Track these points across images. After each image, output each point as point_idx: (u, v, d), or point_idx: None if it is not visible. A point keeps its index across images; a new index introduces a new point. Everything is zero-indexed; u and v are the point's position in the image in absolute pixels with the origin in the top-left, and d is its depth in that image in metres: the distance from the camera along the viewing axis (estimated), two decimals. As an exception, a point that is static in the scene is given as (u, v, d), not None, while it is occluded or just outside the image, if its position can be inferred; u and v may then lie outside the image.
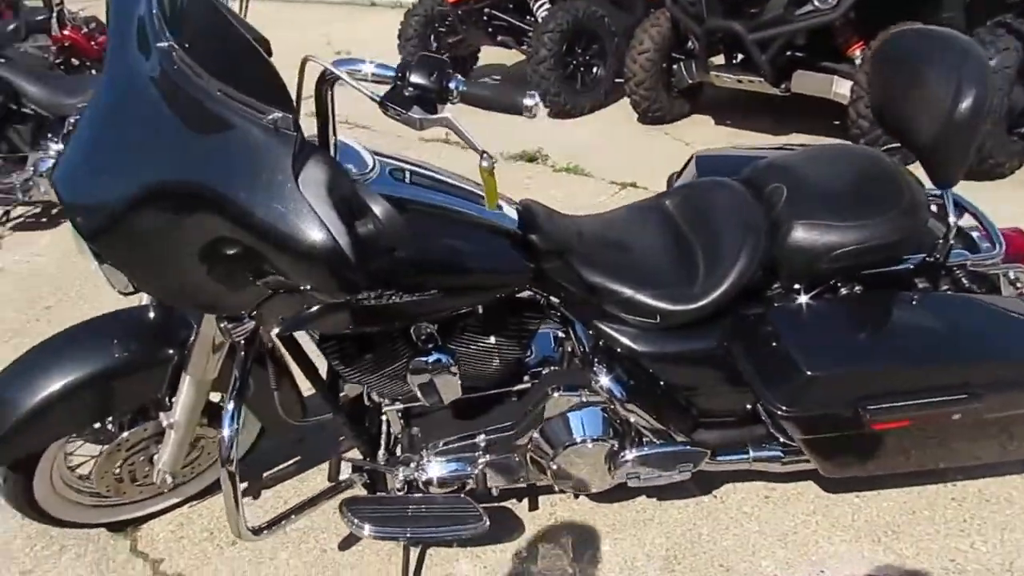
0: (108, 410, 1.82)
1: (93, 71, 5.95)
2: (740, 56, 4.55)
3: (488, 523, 1.86)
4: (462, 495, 1.88)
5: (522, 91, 1.34)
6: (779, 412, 1.59)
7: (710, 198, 1.88)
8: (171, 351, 1.79)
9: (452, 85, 1.32)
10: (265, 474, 2.30)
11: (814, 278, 1.74)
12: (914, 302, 1.70)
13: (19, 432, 1.69)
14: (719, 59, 4.70)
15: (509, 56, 6.40)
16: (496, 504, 2.10)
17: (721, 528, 2.05)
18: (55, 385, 1.70)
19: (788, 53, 4.24)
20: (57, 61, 5.74)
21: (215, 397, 1.91)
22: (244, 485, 2.23)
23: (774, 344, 1.62)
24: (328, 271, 1.29)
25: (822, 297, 1.75)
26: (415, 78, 1.30)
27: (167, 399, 1.84)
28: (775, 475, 2.07)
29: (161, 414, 1.86)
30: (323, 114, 1.44)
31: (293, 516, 1.86)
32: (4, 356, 1.90)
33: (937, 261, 1.77)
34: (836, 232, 1.67)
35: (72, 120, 3.71)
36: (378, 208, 1.36)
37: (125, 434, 1.89)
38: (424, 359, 1.74)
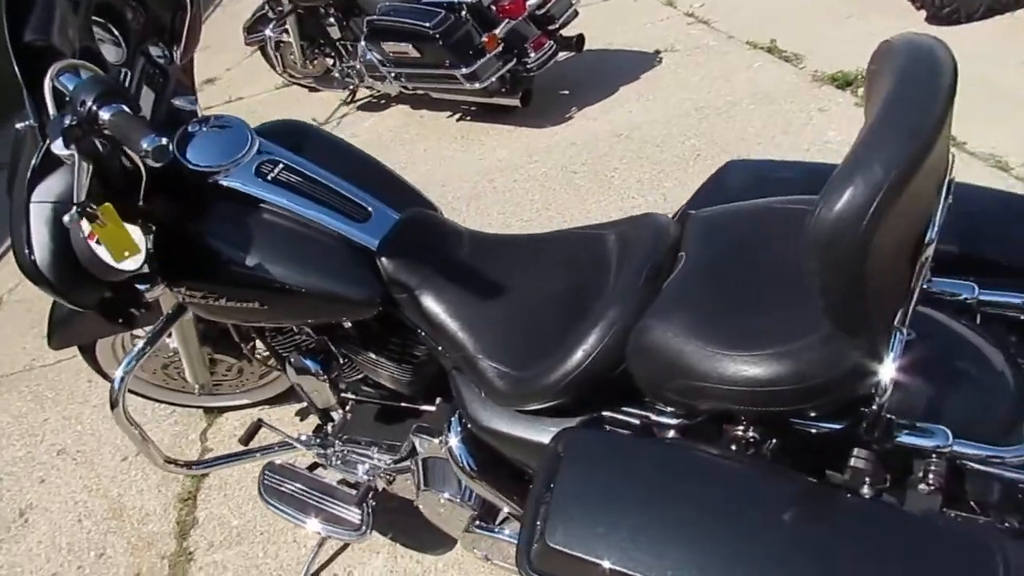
0: (131, 325, 2.12)
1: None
2: None
3: (367, 537, 1.79)
4: (359, 497, 1.81)
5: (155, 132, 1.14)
6: (523, 567, 1.17)
7: (639, 243, 1.37)
8: None
9: (104, 114, 1.18)
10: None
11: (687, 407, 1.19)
12: (777, 495, 1.06)
13: (57, 334, 2.09)
14: None
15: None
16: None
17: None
18: None
19: None
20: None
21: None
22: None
23: (553, 477, 1.17)
24: (42, 286, 1.34)
25: (693, 430, 1.19)
26: (75, 103, 1.20)
27: None
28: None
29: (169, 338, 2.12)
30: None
31: (225, 459, 2.01)
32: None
33: (865, 435, 1.05)
34: (691, 354, 1.10)
35: (367, 20, 4.06)
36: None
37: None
38: (298, 359, 1.69)
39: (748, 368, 1.06)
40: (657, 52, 4.50)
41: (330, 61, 4.80)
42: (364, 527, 1.79)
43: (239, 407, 2.51)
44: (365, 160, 1.67)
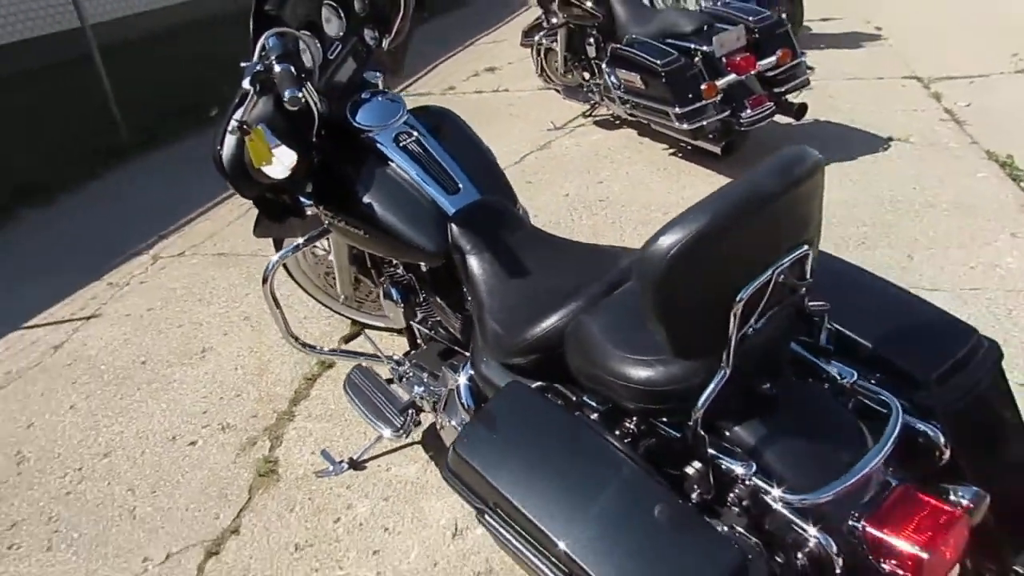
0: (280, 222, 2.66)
1: (783, 11, 6.46)
2: None
3: (401, 439, 2.25)
4: (404, 407, 2.26)
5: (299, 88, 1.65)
6: (444, 465, 1.53)
7: (630, 263, 1.67)
8: None
9: (276, 67, 1.70)
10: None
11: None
12: (616, 476, 1.29)
13: (260, 226, 2.75)
14: None
15: None
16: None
17: None
18: None
19: None
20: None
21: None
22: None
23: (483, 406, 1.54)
24: (219, 172, 1.91)
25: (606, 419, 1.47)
26: (265, 57, 1.73)
27: None
28: None
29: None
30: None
31: (334, 352, 2.56)
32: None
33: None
34: (596, 347, 1.40)
35: (611, 46, 4.48)
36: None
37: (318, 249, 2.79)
38: (387, 285, 2.18)
39: (623, 367, 1.34)
40: (889, 139, 4.46)
41: (587, 75, 5.28)
42: (401, 431, 2.23)
43: (375, 327, 3.06)
44: (480, 150, 2.09)
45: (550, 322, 1.57)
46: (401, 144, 2.00)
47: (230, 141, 1.86)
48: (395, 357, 2.40)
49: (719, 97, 4.03)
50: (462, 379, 1.90)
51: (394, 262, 2.19)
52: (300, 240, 2.36)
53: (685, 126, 4.05)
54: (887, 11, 7.55)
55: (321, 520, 2.23)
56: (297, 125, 1.91)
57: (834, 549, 1.18)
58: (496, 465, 1.41)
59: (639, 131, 4.99)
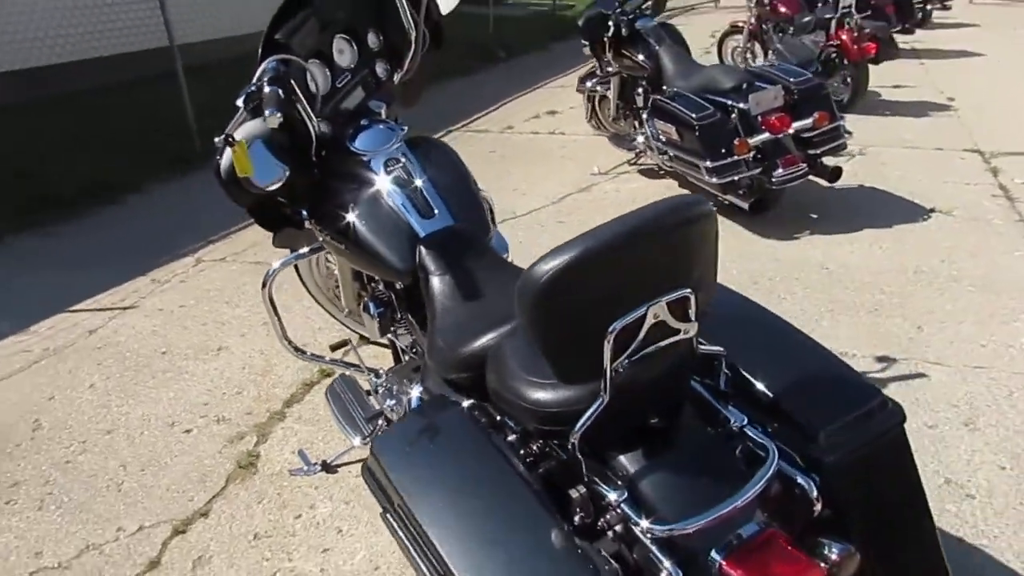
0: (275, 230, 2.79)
1: (848, 76, 6.47)
2: None
3: (368, 448, 2.34)
4: (372, 415, 2.37)
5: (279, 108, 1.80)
6: (364, 464, 1.62)
7: None
8: None
9: (266, 88, 1.86)
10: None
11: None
12: (511, 496, 1.36)
13: (277, 238, 2.92)
14: None
15: None
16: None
17: None
18: None
19: None
20: (820, 56, 6.44)
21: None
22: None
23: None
24: (217, 179, 2.09)
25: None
26: (259, 79, 1.90)
27: None
28: None
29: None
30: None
31: (321, 359, 2.70)
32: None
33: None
34: (506, 369, 1.48)
35: (653, 98, 4.57)
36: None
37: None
38: (365, 300, 2.31)
39: (521, 386, 1.42)
40: (931, 210, 4.40)
41: (636, 124, 5.38)
42: (368, 440, 2.34)
43: (376, 343, 3.18)
44: (463, 180, 2.21)
45: (480, 342, 1.66)
46: (389, 169, 2.13)
47: (227, 153, 2.03)
48: (372, 369, 2.52)
49: (752, 154, 4.08)
50: (414, 392, 1.99)
51: (376, 278, 2.32)
52: (304, 250, 2.52)
53: (715, 180, 4.10)
54: (963, 83, 7.44)
55: (284, 514, 2.35)
56: (295, 144, 2.07)
57: None
58: (401, 469, 1.50)
59: (680, 182, 5.04)
